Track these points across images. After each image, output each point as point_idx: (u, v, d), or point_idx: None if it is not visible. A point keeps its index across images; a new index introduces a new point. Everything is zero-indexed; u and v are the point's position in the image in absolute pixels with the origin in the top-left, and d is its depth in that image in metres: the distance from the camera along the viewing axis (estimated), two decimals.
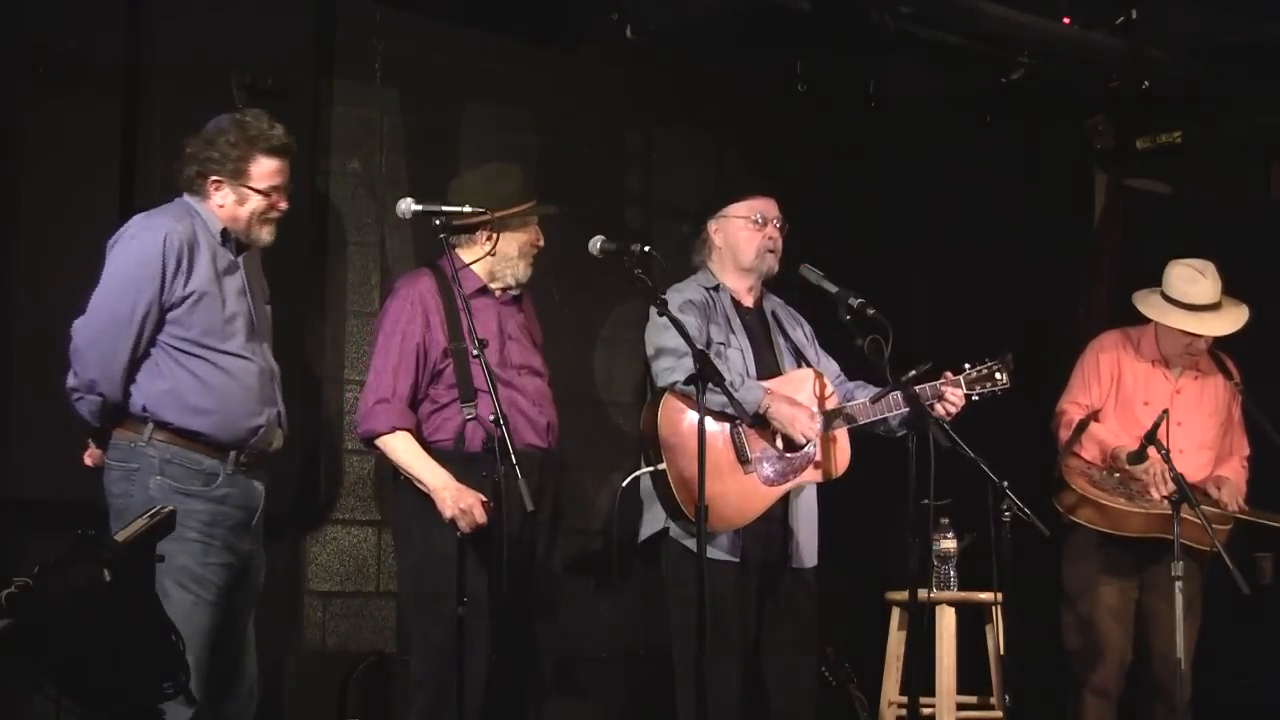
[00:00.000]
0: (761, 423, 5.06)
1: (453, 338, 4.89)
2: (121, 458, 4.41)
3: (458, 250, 4.91)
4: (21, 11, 5.02)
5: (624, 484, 5.07)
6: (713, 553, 5.00)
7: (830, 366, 5.37)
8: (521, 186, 5.05)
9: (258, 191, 4.52)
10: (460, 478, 4.80)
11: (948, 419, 5.07)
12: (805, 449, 5.09)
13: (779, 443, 5.07)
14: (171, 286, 4.38)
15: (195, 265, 4.42)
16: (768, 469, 5.09)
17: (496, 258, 4.94)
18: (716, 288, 5.29)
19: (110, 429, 4.44)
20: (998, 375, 5.19)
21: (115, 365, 4.36)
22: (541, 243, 5.07)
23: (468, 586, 4.71)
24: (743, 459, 5.07)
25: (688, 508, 4.93)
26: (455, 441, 4.88)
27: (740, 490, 5.05)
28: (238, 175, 4.50)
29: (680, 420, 5.02)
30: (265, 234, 4.59)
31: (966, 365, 5.19)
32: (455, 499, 4.76)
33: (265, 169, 4.52)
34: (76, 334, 4.39)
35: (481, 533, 4.74)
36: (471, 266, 4.91)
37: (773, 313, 5.38)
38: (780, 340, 5.33)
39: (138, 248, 4.40)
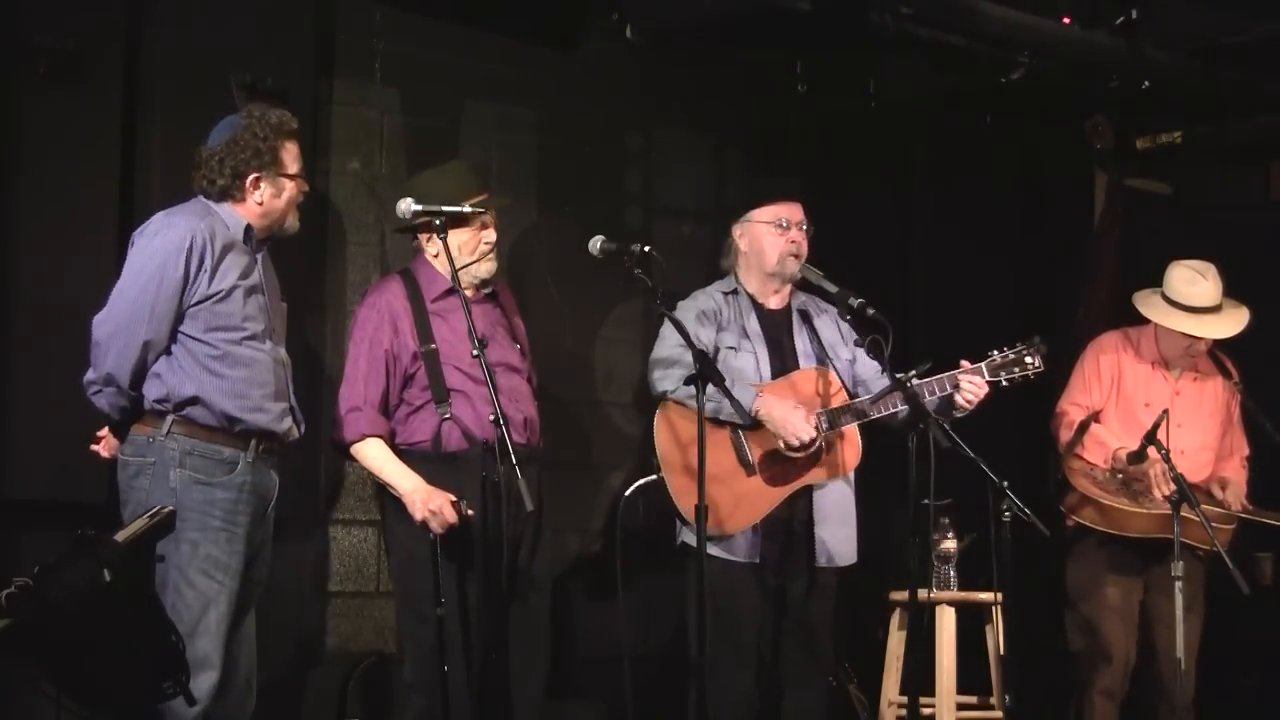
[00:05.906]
0: (760, 424, 5.06)
1: (422, 341, 4.90)
2: (138, 452, 4.41)
3: (427, 255, 4.98)
4: (21, 11, 5.01)
5: (626, 494, 5.06)
6: (731, 556, 5.04)
7: (869, 364, 5.26)
8: (460, 183, 5.01)
9: (292, 177, 4.54)
10: (434, 476, 4.82)
11: (969, 408, 5.04)
12: (810, 447, 5.07)
13: (781, 443, 5.07)
14: (195, 284, 4.39)
15: (218, 263, 4.42)
16: (771, 470, 5.08)
17: (444, 259, 4.85)
18: (735, 291, 5.29)
19: (128, 422, 4.43)
20: (1028, 360, 5.08)
21: (131, 358, 4.35)
22: (490, 238, 5.00)
23: (447, 587, 4.75)
24: (744, 461, 5.07)
25: (691, 516, 4.92)
26: (433, 442, 4.89)
27: (744, 492, 5.05)
28: (275, 165, 4.50)
29: (677, 431, 5.03)
30: (295, 220, 4.62)
31: (993, 352, 5.09)
32: (425, 501, 4.78)
33: (293, 153, 4.56)
34: (96, 328, 4.39)
35: (461, 533, 4.75)
36: (436, 268, 4.91)
37: (801, 311, 5.34)
38: (803, 341, 5.29)
39: (160, 244, 4.40)
